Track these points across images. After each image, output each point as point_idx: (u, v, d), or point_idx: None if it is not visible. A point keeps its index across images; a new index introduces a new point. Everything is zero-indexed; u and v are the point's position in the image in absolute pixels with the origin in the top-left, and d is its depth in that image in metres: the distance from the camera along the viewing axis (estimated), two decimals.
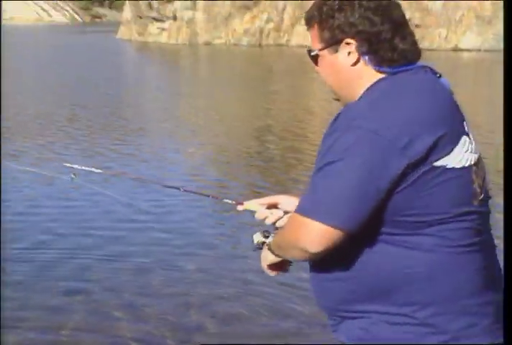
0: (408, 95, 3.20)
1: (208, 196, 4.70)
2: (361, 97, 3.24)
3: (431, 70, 3.36)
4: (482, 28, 58.02)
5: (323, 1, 3.33)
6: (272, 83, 40.74)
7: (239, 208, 3.92)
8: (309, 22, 3.39)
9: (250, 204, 3.87)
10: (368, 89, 3.26)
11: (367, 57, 3.27)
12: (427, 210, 3.15)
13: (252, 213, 3.81)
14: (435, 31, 60.67)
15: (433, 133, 3.07)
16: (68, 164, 4.79)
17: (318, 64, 3.41)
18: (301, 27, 72.92)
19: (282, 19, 75.70)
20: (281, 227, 3.54)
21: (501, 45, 41.65)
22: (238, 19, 78.22)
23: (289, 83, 40.15)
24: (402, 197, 3.09)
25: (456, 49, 57.76)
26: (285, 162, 18.28)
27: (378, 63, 3.28)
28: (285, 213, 3.70)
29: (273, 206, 3.78)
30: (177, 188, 4.53)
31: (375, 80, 3.27)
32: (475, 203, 3.27)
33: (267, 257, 3.51)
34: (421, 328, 3.19)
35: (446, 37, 59.74)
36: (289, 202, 3.74)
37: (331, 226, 2.99)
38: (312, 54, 3.39)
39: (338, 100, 3.47)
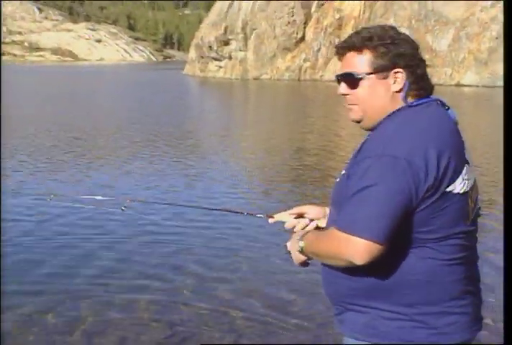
0: (426, 127, 3.17)
1: (243, 213, 4.56)
2: (382, 124, 3.24)
3: (441, 102, 3.33)
4: (480, 68, 57.65)
5: (374, 32, 3.28)
6: (308, 111, 40.57)
7: (270, 220, 3.87)
8: (358, 47, 3.27)
9: (280, 216, 3.81)
10: (389, 116, 3.24)
11: (407, 88, 3.25)
12: (434, 229, 3.15)
13: (283, 223, 3.76)
14: (442, 70, 60.39)
15: (447, 163, 3.09)
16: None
17: (359, 86, 3.27)
18: (332, 65, 73.10)
19: (317, 59, 75.75)
20: (315, 234, 3.41)
21: (495, 83, 41.31)
22: (281, 58, 78.37)
23: (322, 110, 40.03)
24: (419, 217, 3.10)
25: (458, 85, 57.39)
26: (315, 177, 18.07)
27: (414, 95, 3.29)
28: (311, 220, 3.67)
29: (300, 216, 3.73)
30: (218, 210, 4.44)
31: (395, 108, 3.25)
32: (467, 223, 3.28)
33: (299, 258, 3.43)
34: (413, 323, 3.19)
35: (450, 75, 59.40)
36: (313, 211, 3.74)
37: (373, 242, 2.97)
38: (358, 76, 3.25)
39: (358, 122, 3.37)
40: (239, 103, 54.36)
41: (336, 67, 70.77)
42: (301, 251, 3.40)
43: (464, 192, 3.19)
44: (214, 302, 8.37)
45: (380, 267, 3.15)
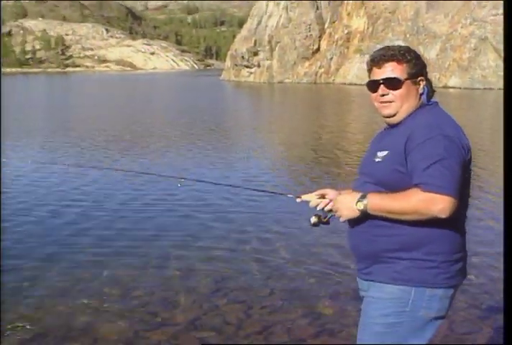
0: (451, 119, 3.42)
1: (277, 193, 4.80)
2: (414, 117, 3.38)
3: (437, 102, 3.50)
4: (462, 73, 57.48)
5: (405, 49, 3.45)
6: (323, 107, 40.53)
7: (298, 200, 3.85)
8: (398, 59, 3.40)
9: (306, 196, 3.80)
10: (416, 112, 3.40)
11: (426, 92, 3.44)
12: (464, 189, 3.29)
13: (307, 202, 3.76)
14: (431, 75, 57.82)
15: (469, 142, 3.34)
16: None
17: (400, 87, 3.38)
18: (342, 71, 72.77)
19: (329, 66, 75.66)
20: (382, 195, 3.33)
21: (474, 85, 41.08)
22: (300, 65, 78.31)
23: (334, 106, 39.93)
24: (464, 183, 3.25)
25: (445, 87, 57.21)
26: (331, 164, 17.99)
27: (427, 98, 3.46)
28: (330, 200, 3.64)
29: (322, 196, 3.73)
30: (256, 190, 4.47)
31: (418, 106, 3.42)
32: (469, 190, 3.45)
33: (353, 214, 3.35)
34: (436, 269, 3.28)
35: (438, 79, 59.20)
36: (332, 193, 3.70)
37: (456, 199, 3.11)
38: (400, 79, 3.38)
39: (391, 116, 3.44)
40: (267, 101, 54.35)
41: (345, 72, 71.60)
42: (361, 209, 3.33)
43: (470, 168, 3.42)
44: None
45: (415, 223, 3.24)
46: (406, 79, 3.38)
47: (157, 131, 25.63)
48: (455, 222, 3.31)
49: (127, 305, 6.89)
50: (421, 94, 3.43)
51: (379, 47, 3.64)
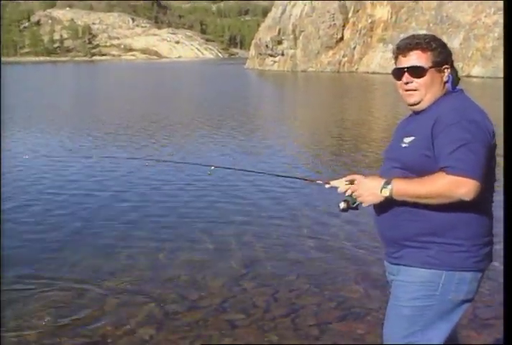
0: (476, 105, 3.41)
1: (306, 180, 4.70)
2: (439, 104, 3.39)
3: (463, 90, 3.52)
4: (485, 63, 57.07)
5: (431, 37, 3.47)
6: (345, 94, 40.45)
7: (327, 186, 3.84)
8: (423, 48, 3.41)
9: (335, 182, 3.79)
10: (440, 99, 3.41)
11: (451, 80, 3.45)
12: (489, 176, 3.31)
13: (336, 188, 3.75)
14: (455, 64, 59.82)
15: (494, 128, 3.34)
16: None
17: (424, 75, 3.39)
18: (366, 60, 72.42)
19: (353, 55, 75.35)
20: (407, 181, 3.35)
21: (497, 74, 40.91)
22: (324, 54, 77.97)
23: (356, 94, 39.83)
24: (489, 167, 3.27)
25: (468, 76, 56.93)
26: (355, 151, 17.97)
27: (452, 85, 3.47)
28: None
29: (351, 182, 3.69)
30: (288, 176, 4.42)
31: (443, 94, 3.43)
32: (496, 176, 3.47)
33: (377, 199, 3.38)
34: (466, 253, 3.31)
35: (462, 68, 58.90)
36: (361, 178, 3.67)
37: (480, 183, 3.12)
38: (425, 67, 3.38)
39: (416, 104, 3.45)
40: (291, 90, 54.25)
41: (369, 61, 71.26)
42: (386, 196, 3.35)
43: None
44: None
45: (445, 208, 3.26)
46: (431, 67, 3.40)
47: (184, 120, 25.70)
48: (482, 206, 3.35)
49: (158, 288, 6.98)
50: (446, 82, 3.45)
51: (402, 36, 3.68)
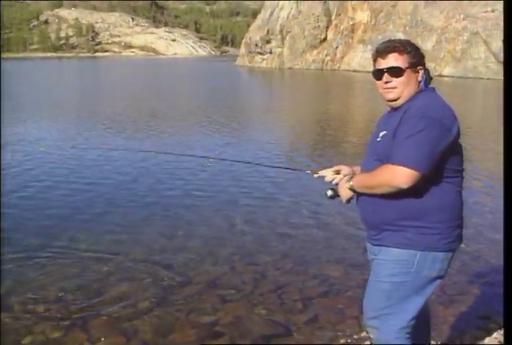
0: (442, 102, 3.44)
1: (296, 170, 4.78)
2: (412, 100, 3.42)
3: (433, 88, 3.57)
4: (455, 64, 57.18)
5: (406, 42, 3.55)
6: (328, 91, 40.46)
7: (315, 175, 3.89)
8: (400, 50, 3.47)
9: (322, 172, 3.84)
10: (414, 96, 3.45)
11: (424, 79, 3.50)
12: (454, 166, 3.39)
13: (323, 177, 3.78)
14: (428, 64, 59.45)
15: (457, 123, 3.37)
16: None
17: (402, 75, 3.45)
18: (347, 59, 72.42)
19: (335, 54, 75.21)
20: (362, 175, 3.56)
21: (466, 75, 40.97)
22: (309, 53, 77.82)
23: (338, 91, 39.84)
24: (446, 156, 3.31)
25: (440, 76, 56.97)
26: (337, 142, 18.00)
27: (424, 85, 3.52)
28: (344, 175, 3.69)
29: (337, 172, 3.77)
30: (280, 167, 4.46)
31: (416, 91, 3.47)
32: (463, 165, 3.50)
33: (348, 194, 3.58)
34: (438, 235, 3.37)
35: (434, 68, 58.93)
36: (346, 169, 3.78)
37: (416, 170, 3.17)
38: (402, 68, 3.44)
39: (391, 101, 3.51)
40: (277, 85, 54.18)
41: (350, 60, 71.35)
42: (351, 189, 3.55)
43: (461, 145, 3.48)
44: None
45: (419, 195, 3.33)
46: (407, 68, 3.45)
47: (178, 112, 25.61)
48: (453, 193, 3.43)
49: (154, 266, 7.04)
50: (420, 81, 3.51)
51: (381, 38, 3.75)
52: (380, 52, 3.53)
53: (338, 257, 7.31)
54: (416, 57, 3.49)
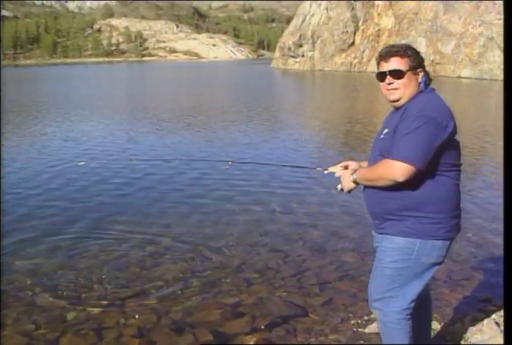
0: (439, 102, 3.42)
1: (308, 168, 4.82)
2: (412, 100, 3.42)
3: (433, 89, 3.55)
4: (472, 66, 56.45)
5: (407, 46, 3.53)
6: (355, 91, 40.22)
7: (326, 171, 3.95)
8: (401, 54, 3.47)
9: (332, 168, 3.88)
10: (414, 97, 3.45)
11: (424, 81, 3.49)
12: (451, 161, 3.39)
13: (333, 173, 3.82)
14: (447, 67, 59.32)
15: (453, 121, 3.36)
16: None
17: (403, 77, 3.45)
18: (373, 61, 71.76)
19: (362, 57, 74.67)
20: (364, 169, 3.60)
21: (483, 76, 40.38)
22: (338, 56, 77.34)
23: (365, 91, 39.59)
24: (443, 151, 3.31)
25: (459, 77, 56.37)
26: (364, 140, 17.85)
27: (424, 86, 3.50)
28: (352, 170, 3.69)
29: (345, 167, 3.81)
30: (293, 166, 4.49)
31: (416, 92, 3.47)
32: (460, 160, 3.49)
33: (350, 186, 3.63)
34: (437, 225, 3.39)
35: (453, 70, 58.27)
36: (354, 164, 3.82)
37: (413, 166, 3.21)
38: (403, 71, 3.45)
39: (396, 101, 3.50)
40: (309, 85, 54.00)
41: (375, 63, 69.84)
42: (354, 182, 3.59)
43: (458, 142, 3.47)
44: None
45: (418, 188, 3.36)
46: (408, 70, 3.45)
47: (217, 110, 25.65)
48: (451, 185, 3.43)
49: (188, 251, 7.14)
50: (420, 82, 3.49)
51: (404, 42, 3.74)
52: (383, 56, 3.53)
53: (353, 245, 7.32)
54: (416, 61, 3.48)
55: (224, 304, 5.61)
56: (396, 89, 3.48)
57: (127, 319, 5.31)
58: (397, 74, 3.46)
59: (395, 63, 3.47)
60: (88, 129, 19.36)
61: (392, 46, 3.58)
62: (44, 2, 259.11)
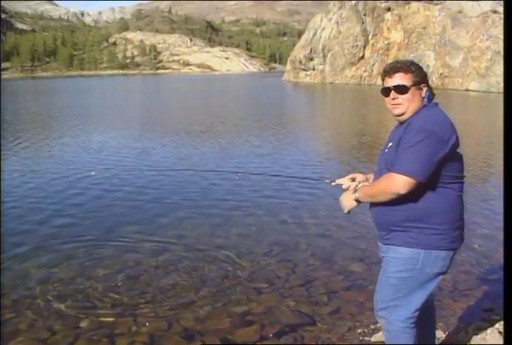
0: (441, 116, 3.46)
1: (316, 179, 4.84)
2: (416, 115, 3.46)
3: (437, 103, 3.59)
4: (480, 79, 56.34)
5: (410, 62, 3.57)
6: (365, 103, 40.16)
7: (333, 183, 4.00)
8: (405, 70, 3.52)
9: (339, 180, 3.93)
10: (418, 111, 3.49)
11: (427, 95, 3.52)
12: (453, 173, 3.42)
13: (341, 185, 3.87)
14: (455, 80, 59.15)
15: (455, 135, 3.39)
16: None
17: (407, 93, 3.49)
18: None
19: (372, 70, 74.56)
20: (365, 186, 3.63)
21: (490, 89, 40.25)
22: (348, 69, 77.35)
23: (374, 104, 39.53)
24: (445, 164, 3.35)
25: (467, 90, 56.28)
26: (373, 151, 17.87)
27: (428, 100, 3.53)
28: (359, 182, 3.78)
29: (353, 179, 3.87)
30: (301, 177, 4.52)
31: (420, 107, 3.50)
32: (463, 172, 3.53)
33: (351, 204, 3.66)
34: (441, 236, 3.42)
35: (461, 83, 58.14)
36: (361, 176, 3.88)
37: (415, 179, 3.25)
38: (407, 86, 3.49)
39: (401, 115, 3.54)
40: (319, 98, 53.89)
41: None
42: (356, 200, 3.61)
43: (461, 155, 3.51)
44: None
45: (421, 200, 3.39)
46: (412, 85, 3.50)
47: (229, 122, 25.68)
48: (453, 197, 3.46)
49: (197, 261, 7.19)
50: (424, 97, 3.53)
51: (413, 56, 3.76)
52: (387, 72, 3.59)
53: (361, 255, 7.34)
54: (420, 76, 3.52)
55: (233, 312, 5.64)
56: (400, 104, 3.52)
57: (139, 326, 5.36)
58: (401, 89, 3.51)
59: (399, 79, 3.51)
60: (103, 140, 19.45)
61: (397, 62, 3.62)
62: (62, 16, 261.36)
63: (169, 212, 9.70)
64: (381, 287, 3.69)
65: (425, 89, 3.53)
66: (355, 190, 3.64)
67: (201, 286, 6.33)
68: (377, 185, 3.46)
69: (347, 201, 3.67)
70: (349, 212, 3.70)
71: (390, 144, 3.54)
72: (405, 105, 3.51)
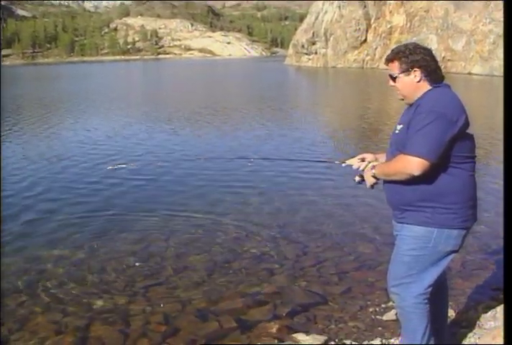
0: (450, 97, 3.50)
1: (326, 161, 4.90)
2: (424, 97, 3.49)
3: (448, 85, 3.63)
4: (483, 63, 56.11)
5: (400, 47, 3.62)
6: (367, 86, 40.10)
7: (343, 164, 4.02)
8: (392, 59, 3.61)
9: (349, 161, 3.96)
10: (425, 93, 3.52)
11: (424, 78, 3.54)
12: (464, 153, 3.47)
13: (351, 166, 3.91)
14: (458, 63, 58.95)
15: (465, 115, 3.44)
16: None
17: (397, 81, 3.60)
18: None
19: (374, 54, 74.30)
20: (382, 164, 3.69)
21: (493, 73, 40.07)
22: (350, 53, 77.11)
23: (376, 86, 39.46)
24: (455, 144, 3.40)
25: (470, 74, 56.10)
26: (371, 133, 17.88)
27: (430, 82, 3.55)
28: (369, 162, 3.83)
29: (362, 160, 3.90)
30: (311, 160, 4.49)
31: (426, 90, 3.53)
32: (475, 152, 3.58)
33: (372, 181, 3.72)
34: (453, 215, 3.48)
35: (464, 67, 57.96)
36: (370, 156, 3.92)
37: (425, 159, 3.30)
38: (394, 76, 3.60)
39: (402, 99, 3.65)
40: (322, 82, 53.82)
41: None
42: (374, 176, 3.69)
43: (472, 135, 3.55)
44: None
45: (435, 180, 3.45)
46: (400, 73, 3.59)
47: (230, 106, 25.68)
48: (465, 177, 3.52)
49: (208, 243, 7.27)
50: (419, 80, 3.58)
51: (416, 39, 3.79)
52: (386, 61, 3.72)
53: (371, 236, 7.41)
54: (408, 62, 3.56)
55: (245, 293, 5.72)
56: (397, 90, 3.66)
57: (153, 307, 5.43)
58: (392, 78, 3.64)
59: (391, 68, 3.64)
60: (106, 129, 19.48)
61: (392, 50, 3.71)
62: (62, 2, 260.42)
63: (179, 194, 9.88)
64: (394, 265, 3.75)
65: (417, 73, 3.56)
66: (373, 167, 3.71)
67: (213, 267, 6.41)
68: (393, 166, 3.52)
69: (368, 177, 3.76)
70: (372, 187, 3.77)
71: (401, 125, 3.59)
72: (400, 91, 3.64)
